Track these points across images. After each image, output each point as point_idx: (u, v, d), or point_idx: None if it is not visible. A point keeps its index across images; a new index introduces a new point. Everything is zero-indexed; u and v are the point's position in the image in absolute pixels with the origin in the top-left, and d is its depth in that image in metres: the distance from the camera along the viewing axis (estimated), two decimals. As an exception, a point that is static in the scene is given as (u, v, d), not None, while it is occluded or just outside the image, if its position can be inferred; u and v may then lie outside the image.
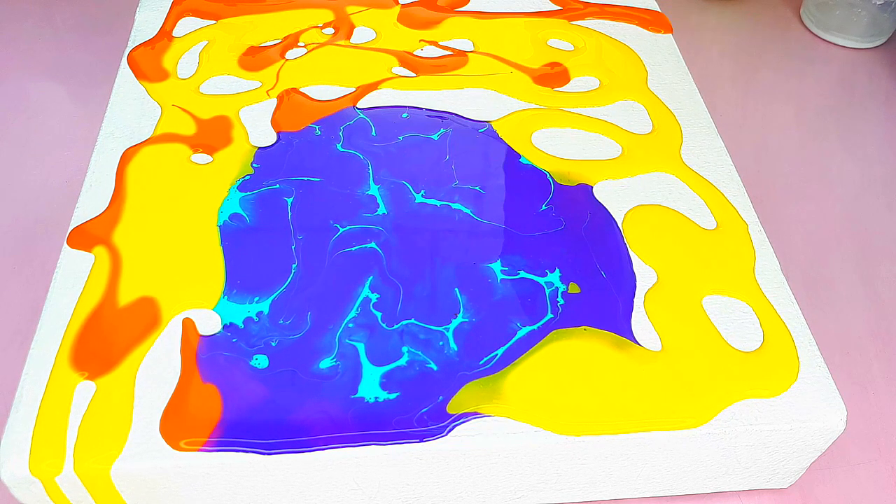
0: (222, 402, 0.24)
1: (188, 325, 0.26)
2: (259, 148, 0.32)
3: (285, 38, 0.37)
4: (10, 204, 0.36)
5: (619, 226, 0.30)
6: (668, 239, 0.29)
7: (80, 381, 0.24)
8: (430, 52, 0.37)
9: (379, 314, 0.26)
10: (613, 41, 0.38)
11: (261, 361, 0.25)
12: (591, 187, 0.31)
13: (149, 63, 0.35)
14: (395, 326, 0.26)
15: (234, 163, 0.31)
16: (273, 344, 0.25)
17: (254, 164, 0.31)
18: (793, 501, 0.28)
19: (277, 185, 0.30)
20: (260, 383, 0.24)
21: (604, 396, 0.25)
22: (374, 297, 0.27)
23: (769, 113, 0.43)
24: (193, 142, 0.32)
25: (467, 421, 0.24)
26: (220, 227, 0.29)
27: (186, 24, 0.37)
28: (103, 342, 0.25)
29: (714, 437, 0.25)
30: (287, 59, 0.36)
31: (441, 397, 0.24)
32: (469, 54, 0.37)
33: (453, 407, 0.24)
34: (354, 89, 0.34)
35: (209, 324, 0.26)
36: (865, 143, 0.42)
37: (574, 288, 0.27)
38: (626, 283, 0.28)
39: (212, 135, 0.32)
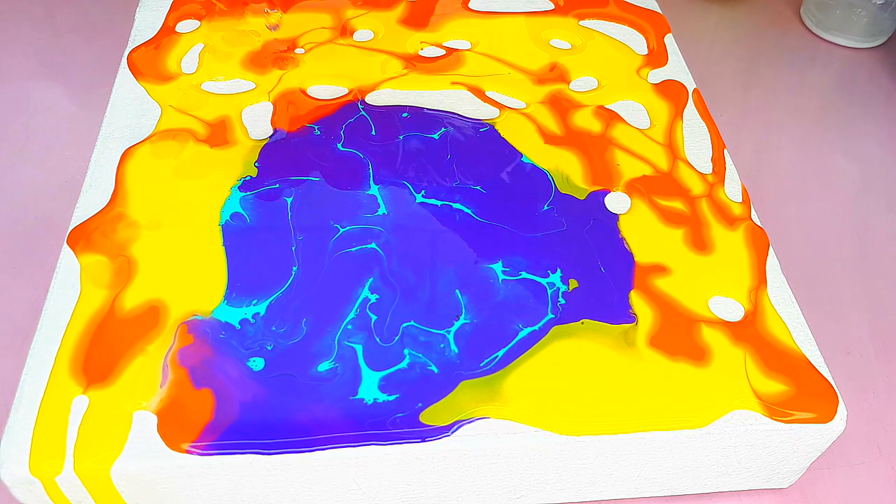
0: (222, 403, 0.24)
1: (187, 326, 0.26)
2: (260, 148, 0.32)
3: (282, 40, 0.37)
4: (10, 204, 0.36)
5: (620, 226, 0.30)
6: (670, 239, 0.29)
7: (80, 384, 0.24)
8: (431, 52, 0.37)
9: (378, 316, 0.26)
10: (612, 41, 0.38)
11: (260, 362, 0.25)
12: (601, 198, 0.31)
13: (149, 63, 0.35)
14: (396, 328, 0.26)
15: (235, 163, 0.31)
16: (269, 347, 0.25)
17: (256, 164, 0.31)
18: (793, 501, 0.28)
19: (277, 185, 0.30)
20: (259, 384, 0.24)
21: (604, 396, 0.25)
22: (373, 297, 0.27)
23: (769, 113, 0.43)
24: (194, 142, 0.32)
25: (471, 422, 0.24)
26: (221, 227, 0.29)
27: (187, 25, 0.37)
28: (103, 342, 0.25)
29: (714, 437, 0.25)
30: (291, 58, 0.36)
31: (420, 404, 0.24)
32: (468, 54, 0.37)
33: (434, 414, 0.24)
34: (355, 89, 0.34)
35: (208, 325, 0.26)
36: (865, 143, 0.42)
37: (574, 284, 0.27)
38: (627, 283, 0.28)
39: (212, 135, 0.32)
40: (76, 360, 0.25)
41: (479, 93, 0.35)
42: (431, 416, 0.24)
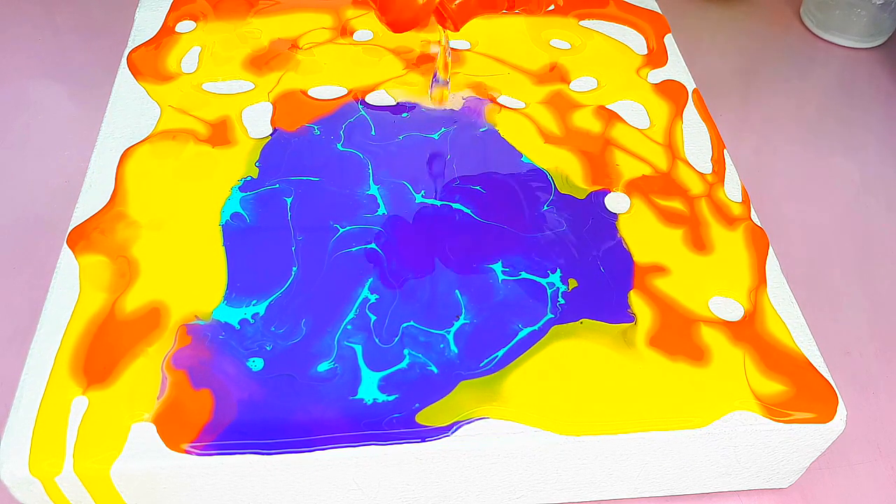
0: (221, 403, 0.24)
1: (187, 326, 0.26)
2: (260, 148, 0.32)
3: (285, 40, 0.37)
4: (10, 204, 0.36)
5: (620, 226, 0.30)
6: (669, 239, 0.29)
7: (80, 385, 0.24)
8: (434, 50, 0.37)
9: (378, 316, 0.26)
10: (612, 41, 0.38)
11: (259, 363, 0.25)
12: (601, 198, 0.31)
13: (149, 63, 0.35)
14: (396, 328, 0.26)
15: (235, 163, 0.31)
16: (268, 347, 0.25)
17: (256, 164, 0.31)
18: (793, 501, 0.28)
19: (277, 185, 0.30)
20: (259, 384, 0.24)
21: (604, 396, 0.25)
22: (373, 298, 0.27)
23: (769, 113, 0.43)
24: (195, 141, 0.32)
25: (471, 422, 0.24)
26: (222, 227, 0.29)
27: (186, 25, 0.37)
28: (103, 343, 0.25)
29: (715, 437, 0.25)
30: (290, 60, 0.36)
31: (417, 404, 0.24)
32: (468, 54, 0.37)
33: (434, 414, 0.24)
34: (355, 89, 0.34)
35: (208, 326, 0.26)
36: (865, 143, 0.42)
37: (573, 283, 0.27)
38: (626, 283, 0.28)
39: (212, 135, 0.32)
40: (76, 361, 0.25)
41: (479, 93, 0.35)
42: (431, 416, 0.24)
